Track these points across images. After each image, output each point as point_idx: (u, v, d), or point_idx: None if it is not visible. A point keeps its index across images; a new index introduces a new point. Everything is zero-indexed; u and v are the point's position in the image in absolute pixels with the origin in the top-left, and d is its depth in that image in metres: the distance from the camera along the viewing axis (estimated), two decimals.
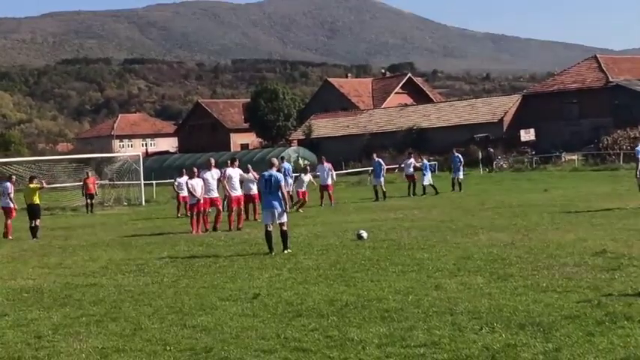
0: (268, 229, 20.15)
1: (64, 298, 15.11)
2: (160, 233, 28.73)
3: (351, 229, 24.60)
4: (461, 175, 45.06)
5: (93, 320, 12.82)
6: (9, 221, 30.86)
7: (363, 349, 10.09)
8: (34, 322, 13.02)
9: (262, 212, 21.20)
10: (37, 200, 30.78)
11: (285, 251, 20.02)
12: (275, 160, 21.73)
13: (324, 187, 38.83)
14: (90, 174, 48.27)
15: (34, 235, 29.67)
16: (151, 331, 11.80)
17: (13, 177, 33.90)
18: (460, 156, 45.92)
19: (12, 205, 31.38)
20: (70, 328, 12.38)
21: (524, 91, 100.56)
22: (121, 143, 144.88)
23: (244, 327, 11.71)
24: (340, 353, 10.01)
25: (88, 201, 46.13)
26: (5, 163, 52.45)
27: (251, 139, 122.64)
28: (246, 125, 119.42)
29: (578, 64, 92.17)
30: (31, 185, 31.07)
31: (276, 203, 20.13)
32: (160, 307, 13.61)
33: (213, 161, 29.77)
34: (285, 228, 20.27)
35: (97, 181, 48.94)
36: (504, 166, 72.13)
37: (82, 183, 48.01)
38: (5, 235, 30.36)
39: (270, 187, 20.21)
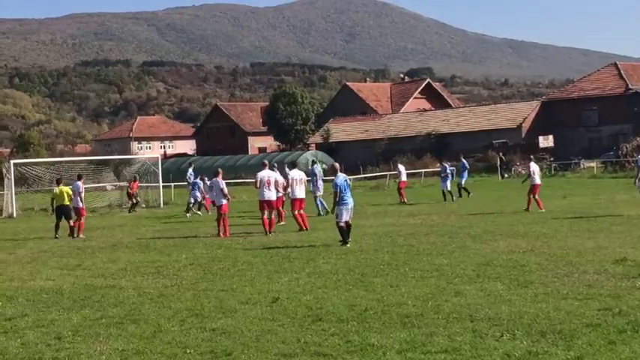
0: (340, 224, 22.38)
1: (84, 300, 15.14)
2: (178, 236, 28.76)
3: (370, 234, 24.64)
4: (463, 182, 44.08)
5: (113, 322, 12.84)
6: (82, 220, 31.19)
7: (383, 355, 10.09)
8: (54, 323, 13.05)
9: (338, 209, 22.51)
10: (67, 201, 30.95)
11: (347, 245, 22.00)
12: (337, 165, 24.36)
13: None
14: (137, 177, 48.38)
15: (73, 234, 30.22)
16: (171, 334, 11.81)
17: (83, 176, 34.03)
18: (466, 162, 45.07)
19: (81, 205, 31.56)
20: (89, 329, 12.41)
21: (544, 97, 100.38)
22: (140, 145, 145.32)
23: (264, 331, 11.72)
24: (361, 358, 10.02)
25: (133, 200, 46.51)
26: (24, 164, 52.65)
27: (269, 142, 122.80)
28: (264, 128, 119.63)
29: (598, 70, 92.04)
30: (63, 188, 31.28)
31: (352, 202, 22.89)
32: (180, 310, 13.62)
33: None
34: (350, 222, 22.72)
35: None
36: (523, 172, 71.88)
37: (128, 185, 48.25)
38: (71, 234, 30.49)
39: (348, 189, 22.75)
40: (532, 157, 36.72)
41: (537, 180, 33.81)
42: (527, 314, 12.00)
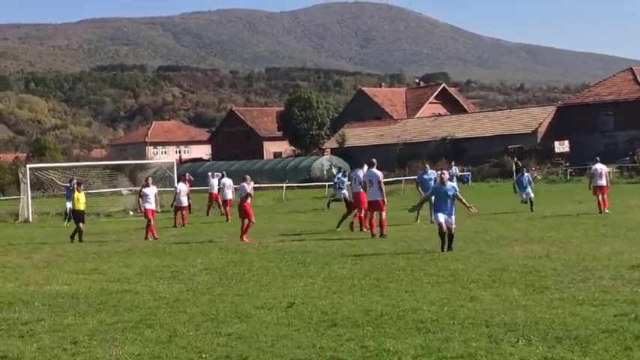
0: (443, 229, 21.20)
1: (100, 304, 15.16)
2: (193, 240, 28.78)
3: (385, 239, 24.62)
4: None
5: (128, 327, 12.85)
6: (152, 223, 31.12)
7: None
8: (69, 327, 13.06)
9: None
10: (84, 207, 31.11)
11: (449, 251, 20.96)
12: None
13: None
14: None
15: (80, 239, 30.12)
16: (187, 339, 11.81)
17: (150, 179, 33.86)
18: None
19: (151, 207, 31.45)
20: (105, 334, 12.42)
21: (559, 102, 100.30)
22: (155, 150, 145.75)
23: (279, 336, 11.71)
24: None
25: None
26: (40, 169, 52.83)
27: (284, 147, 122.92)
28: (279, 133, 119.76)
29: (614, 75, 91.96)
30: (81, 193, 31.41)
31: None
32: (195, 315, 13.63)
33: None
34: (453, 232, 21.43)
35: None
36: (538, 177, 71.74)
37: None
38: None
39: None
40: (597, 158, 35.97)
41: (597, 181, 33.49)
42: (543, 320, 11.97)
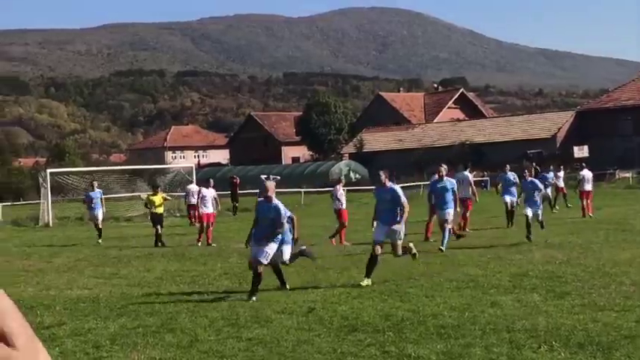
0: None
1: (120, 309, 15.20)
2: (212, 245, 28.83)
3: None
4: None
5: (150, 331, 12.88)
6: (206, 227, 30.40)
7: None
8: (91, 331, 13.10)
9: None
10: (160, 210, 31.00)
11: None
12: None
13: None
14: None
15: (158, 241, 30.05)
16: (208, 343, 11.83)
17: (211, 180, 33.41)
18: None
19: (208, 211, 30.26)
20: (127, 338, 12.45)
21: (578, 107, 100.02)
22: (174, 155, 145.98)
23: (300, 340, 11.71)
24: None
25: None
26: (60, 173, 52.99)
27: (302, 152, 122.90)
28: (297, 138, 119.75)
29: (633, 80, 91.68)
30: (156, 196, 31.18)
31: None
32: (216, 319, 13.65)
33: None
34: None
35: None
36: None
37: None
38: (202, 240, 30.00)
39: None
40: (583, 164, 38.07)
41: (585, 186, 36.14)
42: (564, 326, 11.93)
